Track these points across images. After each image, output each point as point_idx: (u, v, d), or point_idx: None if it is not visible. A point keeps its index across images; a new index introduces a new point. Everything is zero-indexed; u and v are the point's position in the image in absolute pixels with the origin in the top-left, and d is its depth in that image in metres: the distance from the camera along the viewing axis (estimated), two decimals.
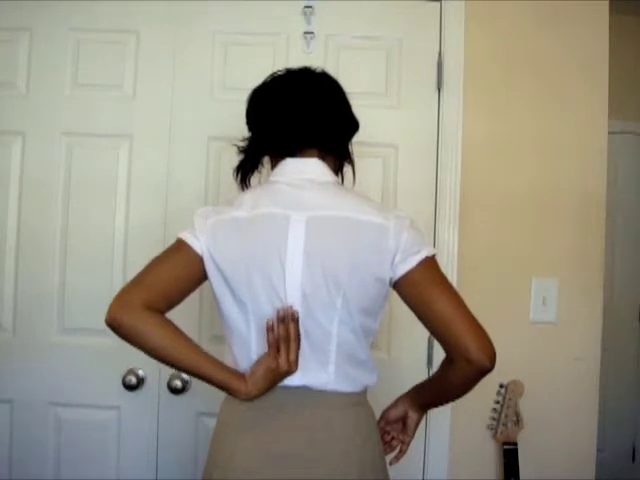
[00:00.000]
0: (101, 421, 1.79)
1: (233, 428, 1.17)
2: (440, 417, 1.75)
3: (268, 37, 1.82)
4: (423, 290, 1.13)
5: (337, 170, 1.28)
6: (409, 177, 1.81)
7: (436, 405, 1.31)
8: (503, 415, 1.73)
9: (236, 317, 1.16)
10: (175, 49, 1.81)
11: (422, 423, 1.75)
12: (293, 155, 1.21)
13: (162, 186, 1.80)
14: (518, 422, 1.73)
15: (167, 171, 1.80)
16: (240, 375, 1.13)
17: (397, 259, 1.12)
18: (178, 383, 1.74)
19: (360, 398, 1.19)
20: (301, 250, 1.11)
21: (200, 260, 1.17)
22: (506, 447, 1.71)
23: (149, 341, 1.14)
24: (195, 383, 1.76)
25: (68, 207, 1.80)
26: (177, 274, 1.18)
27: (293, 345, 1.09)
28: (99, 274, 1.79)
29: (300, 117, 1.20)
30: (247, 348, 1.16)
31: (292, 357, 1.09)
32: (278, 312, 1.10)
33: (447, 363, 1.16)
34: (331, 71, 1.79)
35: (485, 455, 1.79)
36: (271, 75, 1.28)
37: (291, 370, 1.10)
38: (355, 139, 1.32)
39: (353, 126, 1.27)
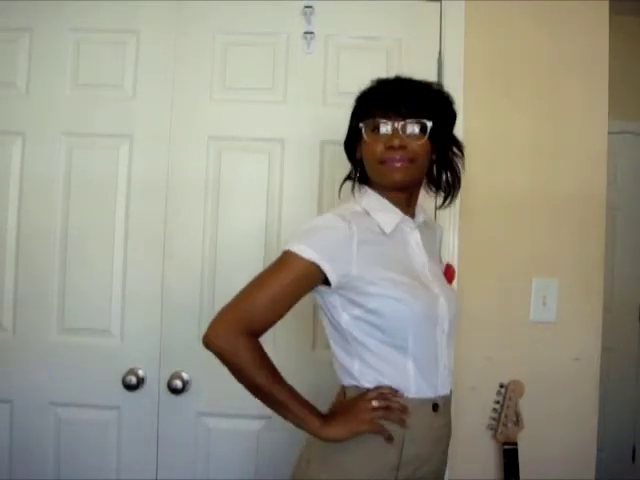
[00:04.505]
0: (101, 421, 1.79)
1: None
2: None
3: (268, 37, 1.82)
4: None
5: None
6: None
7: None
8: (503, 415, 1.73)
9: None
10: (175, 49, 1.81)
11: None
12: None
13: (162, 186, 1.79)
14: (518, 422, 1.73)
15: (167, 171, 1.80)
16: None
17: None
18: (178, 383, 1.74)
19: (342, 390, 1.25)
20: None
21: None
22: (506, 447, 1.71)
23: None
24: (195, 383, 1.76)
25: (68, 207, 1.80)
26: None
27: None
28: (99, 274, 1.80)
29: None
30: None
31: None
32: None
33: None
34: (331, 71, 1.81)
35: (485, 455, 1.79)
36: None
37: None
38: None
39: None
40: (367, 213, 1.23)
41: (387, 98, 1.20)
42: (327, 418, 1.16)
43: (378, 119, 1.19)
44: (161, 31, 1.81)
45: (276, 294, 1.14)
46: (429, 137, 1.20)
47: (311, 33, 1.81)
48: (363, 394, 1.17)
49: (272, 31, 1.82)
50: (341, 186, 1.32)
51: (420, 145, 1.19)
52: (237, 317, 1.14)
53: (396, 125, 1.18)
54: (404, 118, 1.18)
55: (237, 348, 1.12)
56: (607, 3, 1.82)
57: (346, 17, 1.82)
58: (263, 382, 1.13)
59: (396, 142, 1.17)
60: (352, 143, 1.28)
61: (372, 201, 1.24)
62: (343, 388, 1.24)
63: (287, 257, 1.15)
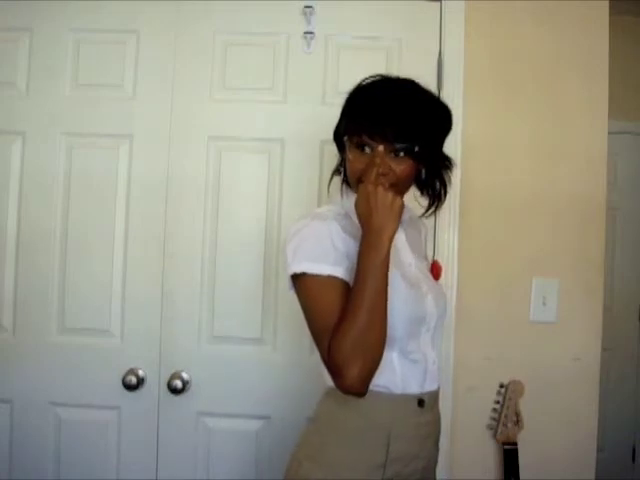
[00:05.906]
0: (101, 421, 1.79)
1: None
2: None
3: (268, 37, 1.82)
4: None
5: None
6: None
7: None
8: (503, 415, 1.73)
9: None
10: (175, 49, 1.81)
11: None
12: None
13: (162, 186, 1.80)
14: (518, 422, 1.73)
15: (167, 171, 1.80)
16: None
17: None
18: (178, 383, 1.74)
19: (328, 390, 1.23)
20: None
21: None
22: (506, 447, 1.71)
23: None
24: (195, 383, 1.76)
25: (68, 207, 1.80)
26: None
27: None
28: (99, 274, 1.80)
29: None
30: None
31: None
32: None
33: None
34: (331, 71, 1.82)
35: (485, 455, 1.79)
36: None
37: None
38: None
39: None
40: (349, 216, 1.20)
41: (374, 118, 1.12)
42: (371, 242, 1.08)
43: (363, 138, 1.13)
44: (161, 31, 1.81)
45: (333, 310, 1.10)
46: (416, 156, 1.15)
47: (311, 33, 1.81)
48: None
49: (272, 31, 1.82)
50: (329, 183, 1.29)
51: (404, 168, 1.14)
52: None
53: (380, 149, 1.12)
54: (390, 142, 1.12)
55: (355, 361, 1.07)
56: (607, 3, 1.82)
57: (346, 17, 1.82)
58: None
59: (379, 170, 1.12)
60: (340, 140, 1.24)
61: (353, 204, 1.17)
62: (326, 390, 1.23)
63: (306, 281, 1.12)
